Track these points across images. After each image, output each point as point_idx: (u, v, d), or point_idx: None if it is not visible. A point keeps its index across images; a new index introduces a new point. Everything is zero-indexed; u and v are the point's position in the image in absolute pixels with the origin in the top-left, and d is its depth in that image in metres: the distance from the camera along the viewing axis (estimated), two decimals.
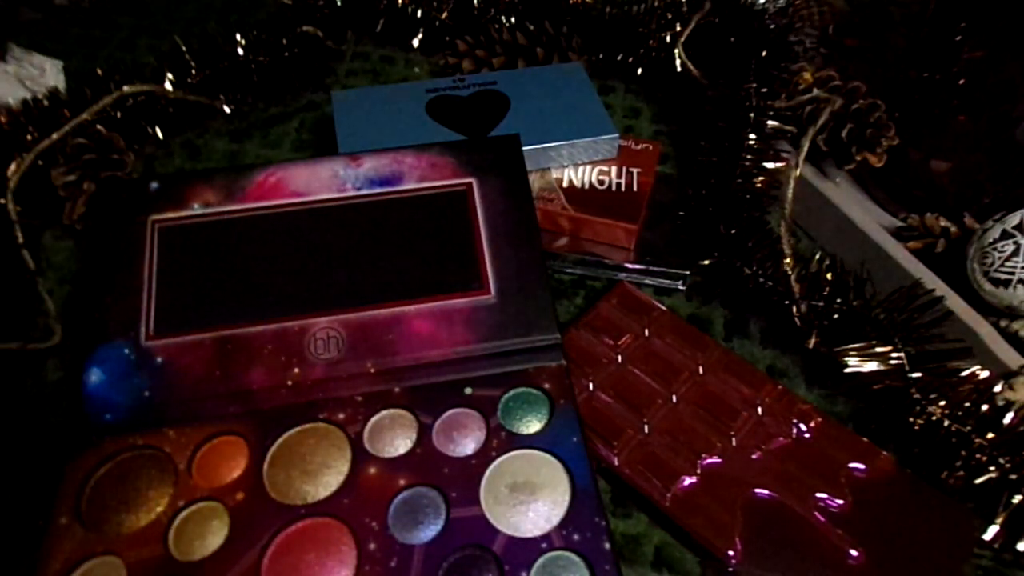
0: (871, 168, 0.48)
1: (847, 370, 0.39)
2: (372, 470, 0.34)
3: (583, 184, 0.48)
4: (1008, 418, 0.36)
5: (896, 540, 0.34)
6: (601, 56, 0.60)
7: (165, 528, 0.32)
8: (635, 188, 0.48)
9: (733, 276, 0.44)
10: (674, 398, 0.39)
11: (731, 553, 0.34)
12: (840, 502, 0.35)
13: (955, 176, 0.46)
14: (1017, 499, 0.35)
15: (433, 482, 0.34)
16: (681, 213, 0.47)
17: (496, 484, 0.34)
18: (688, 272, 0.46)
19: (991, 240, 0.41)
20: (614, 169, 0.49)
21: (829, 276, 0.41)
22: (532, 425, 0.35)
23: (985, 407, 0.37)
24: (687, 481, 0.36)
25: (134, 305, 0.36)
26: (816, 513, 0.35)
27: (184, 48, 0.54)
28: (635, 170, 0.49)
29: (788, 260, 0.42)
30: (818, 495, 0.35)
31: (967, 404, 0.37)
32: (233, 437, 0.35)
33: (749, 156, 0.46)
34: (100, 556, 0.31)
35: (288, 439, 0.35)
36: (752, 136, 0.46)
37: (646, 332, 0.42)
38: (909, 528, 0.35)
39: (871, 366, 0.39)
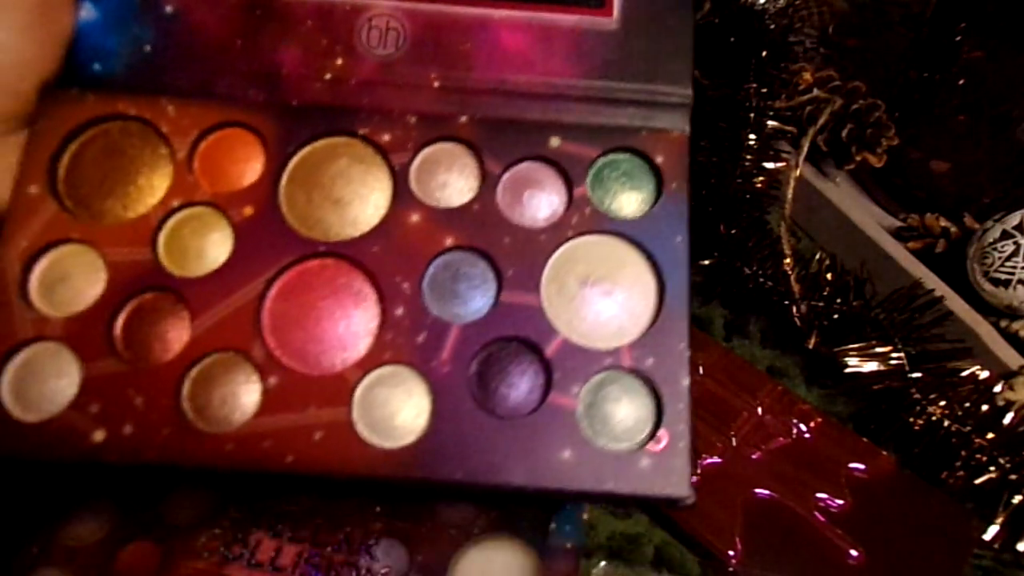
0: (871, 168, 0.48)
1: (847, 370, 0.39)
2: (414, 217, 0.27)
3: None
4: (1008, 418, 0.36)
5: (896, 540, 0.34)
6: None
7: (155, 229, 0.27)
8: None
9: (733, 276, 0.44)
10: None
11: (731, 553, 0.34)
12: (840, 502, 0.35)
13: (955, 176, 0.46)
14: (1017, 499, 0.35)
15: (487, 250, 0.27)
16: None
17: (565, 271, 0.27)
18: None
19: (991, 240, 0.41)
20: None
21: (829, 276, 0.41)
22: (629, 206, 0.28)
23: (985, 407, 0.37)
24: None
25: None
26: (816, 513, 0.35)
27: None
28: None
29: (788, 260, 0.42)
30: (818, 495, 0.35)
31: (967, 404, 0.37)
32: (247, 132, 0.28)
33: (749, 156, 0.45)
34: (76, 243, 0.26)
35: (315, 150, 0.28)
36: (752, 136, 0.46)
37: None
38: (909, 528, 0.35)
39: (871, 366, 0.39)
